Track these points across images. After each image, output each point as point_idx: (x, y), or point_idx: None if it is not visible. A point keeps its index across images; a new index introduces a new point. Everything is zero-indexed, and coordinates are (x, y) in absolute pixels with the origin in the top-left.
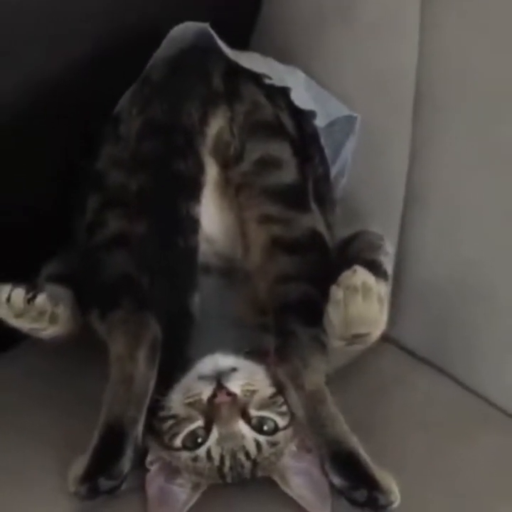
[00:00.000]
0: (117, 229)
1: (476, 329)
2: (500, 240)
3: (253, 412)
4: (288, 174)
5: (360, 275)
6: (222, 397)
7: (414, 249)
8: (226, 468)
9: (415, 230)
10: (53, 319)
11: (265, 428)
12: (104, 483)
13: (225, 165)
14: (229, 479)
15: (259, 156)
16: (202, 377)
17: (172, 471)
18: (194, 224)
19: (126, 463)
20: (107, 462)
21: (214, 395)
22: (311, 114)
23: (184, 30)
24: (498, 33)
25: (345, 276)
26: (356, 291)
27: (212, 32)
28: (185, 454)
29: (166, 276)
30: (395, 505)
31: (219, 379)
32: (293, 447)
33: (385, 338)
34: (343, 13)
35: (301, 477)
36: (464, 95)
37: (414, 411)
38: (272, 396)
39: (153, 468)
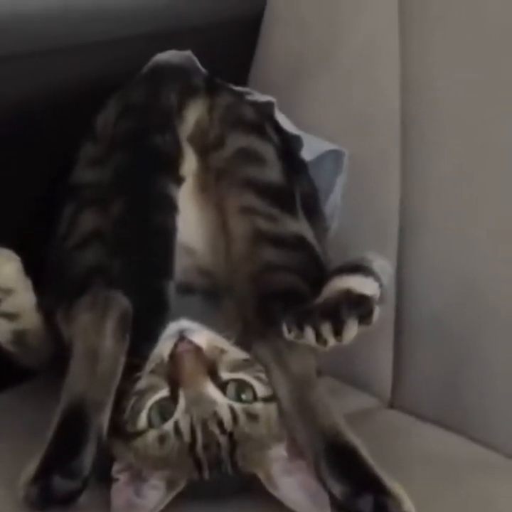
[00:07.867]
0: (89, 226)
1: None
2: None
3: (224, 374)
4: (272, 173)
5: None
6: (183, 346)
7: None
8: (199, 447)
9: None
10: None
11: (243, 397)
12: (59, 482)
13: (205, 152)
14: (205, 468)
15: (241, 146)
16: (165, 339)
17: (142, 481)
18: (171, 202)
19: (87, 459)
20: (64, 455)
21: (175, 347)
22: (296, 141)
23: (167, 57)
24: (479, 64)
25: None
26: None
27: (194, 57)
28: (151, 436)
29: (140, 255)
30: None
31: (181, 333)
32: (283, 452)
33: None
34: (323, 61)
35: (292, 477)
36: (449, 128)
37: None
38: (247, 359)
39: (122, 479)
